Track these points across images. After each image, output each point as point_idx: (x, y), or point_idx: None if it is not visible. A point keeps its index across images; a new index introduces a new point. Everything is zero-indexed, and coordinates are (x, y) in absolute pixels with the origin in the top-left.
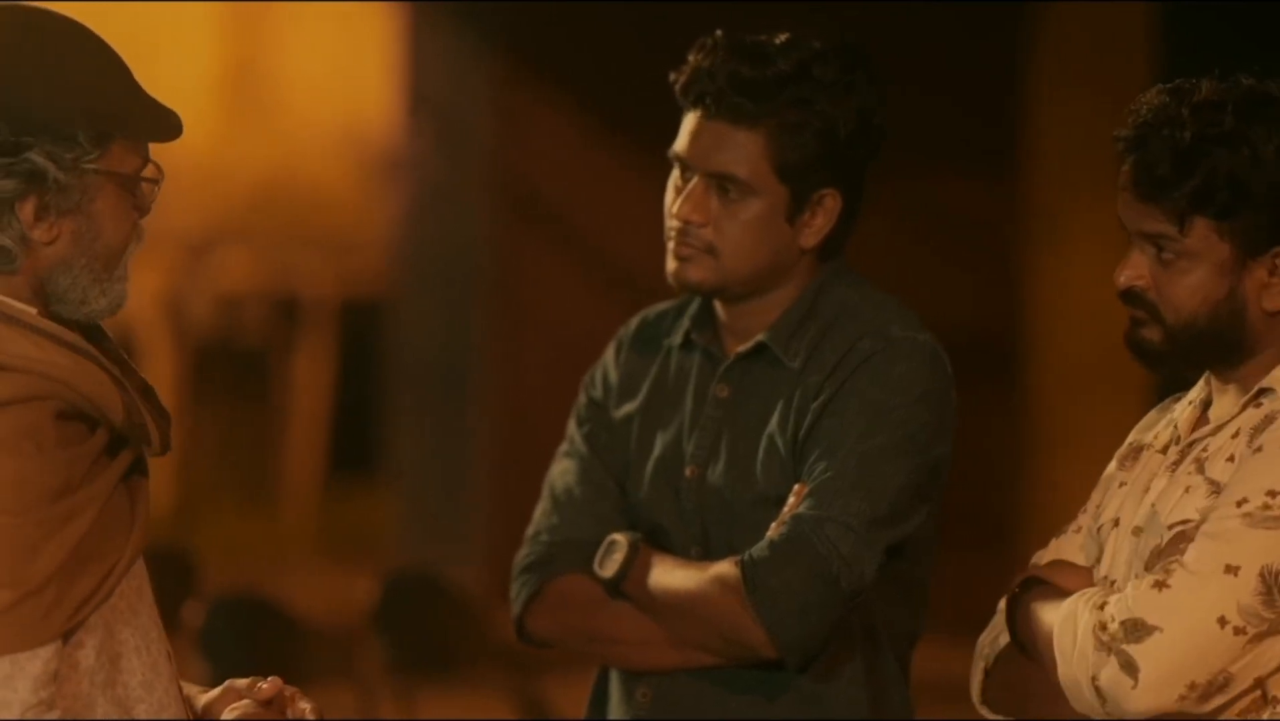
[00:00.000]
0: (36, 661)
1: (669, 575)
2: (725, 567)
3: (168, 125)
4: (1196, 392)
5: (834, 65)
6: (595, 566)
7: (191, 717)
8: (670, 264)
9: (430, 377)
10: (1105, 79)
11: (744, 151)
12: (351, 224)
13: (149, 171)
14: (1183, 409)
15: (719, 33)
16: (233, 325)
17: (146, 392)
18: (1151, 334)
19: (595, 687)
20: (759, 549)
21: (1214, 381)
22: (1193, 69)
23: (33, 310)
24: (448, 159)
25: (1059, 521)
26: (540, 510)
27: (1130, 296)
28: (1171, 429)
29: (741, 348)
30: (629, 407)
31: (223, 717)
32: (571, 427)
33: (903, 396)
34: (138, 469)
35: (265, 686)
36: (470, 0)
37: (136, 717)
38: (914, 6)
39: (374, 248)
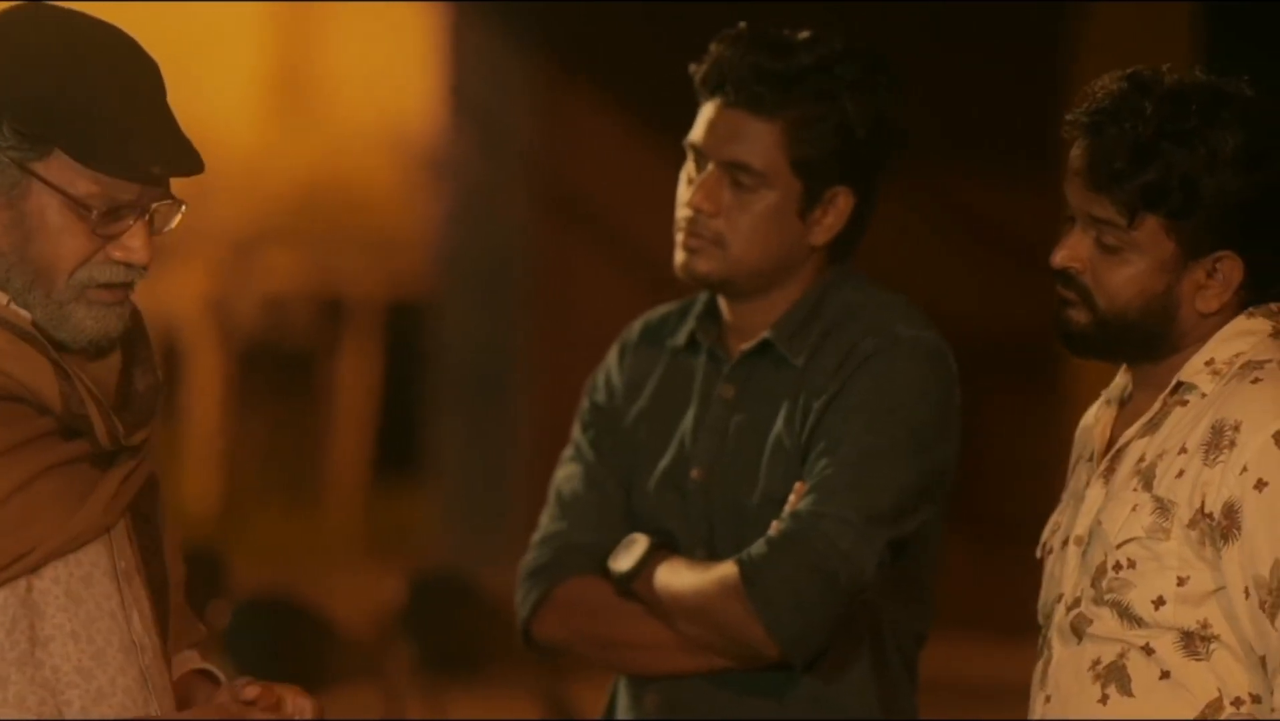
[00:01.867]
0: None
1: (675, 575)
2: (726, 567)
3: (128, 162)
4: (1114, 390)
5: (856, 64)
6: (610, 561)
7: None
8: (678, 255)
9: (472, 377)
10: None
11: (761, 142)
12: (395, 224)
13: (93, 199)
14: (1100, 409)
15: (742, 25)
16: (277, 326)
17: (146, 389)
18: (1079, 316)
19: (611, 691)
20: (757, 547)
21: (1132, 375)
22: (1235, 70)
23: None
24: (490, 159)
25: None
26: (546, 515)
27: (1064, 277)
28: (1096, 433)
29: (746, 346)
30: (634, 410)
31: (192, 709)
32: (576, 432)
33: (905, 394)
34: (104, 460)
35: (249, 687)
36: (512, 0)
37: (66, 702)
38: (954, 7)
39: (417, 248)
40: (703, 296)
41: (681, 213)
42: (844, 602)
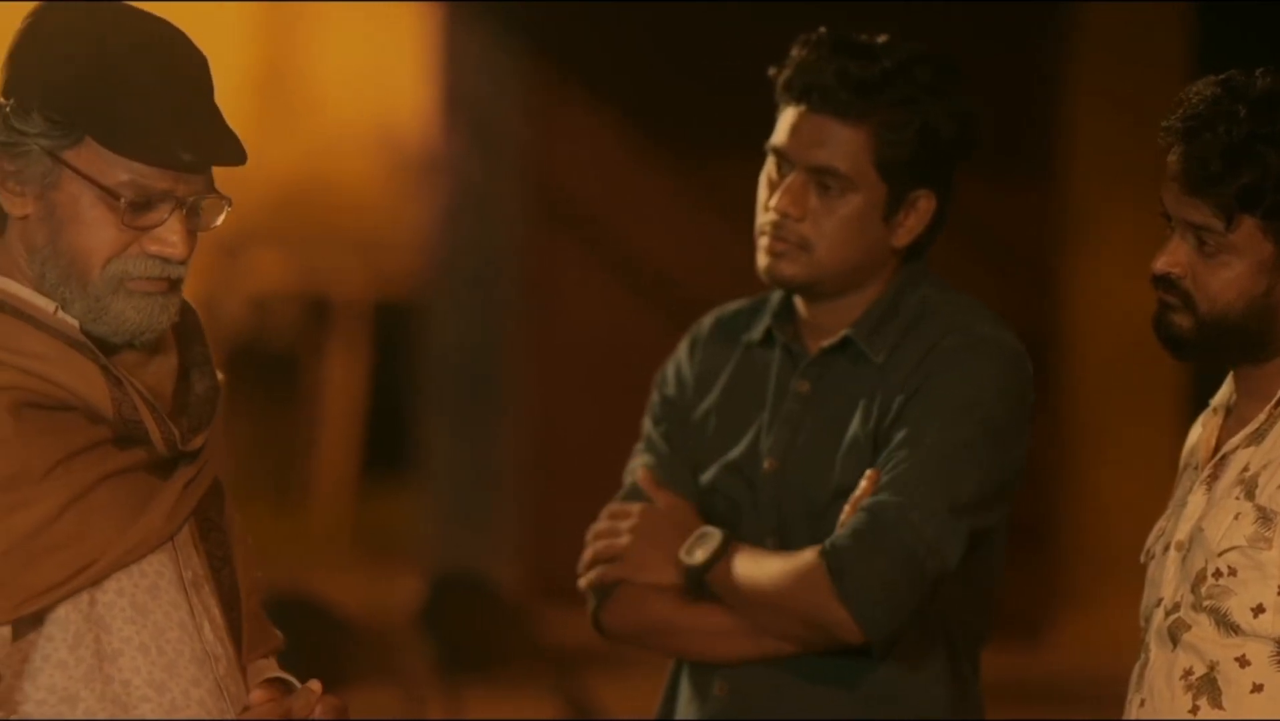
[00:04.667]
0: None
1: (754, 565)
2: (808, 556)
3: (157, 147)
4: (1220, 398)
5: (934, 67)
6: (682, 554)
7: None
8: (762, 259)
9: (462, 377)
10: (1140, 82)
11: (847, 146)
12: (384, 224)
13: (123, 188)
14: (1207, 417)
15: (823, 29)
16: (265, 325)
17: (188, 393)
18: (1182, 320)
19: (668, 684)
20: (841, 536)
21: (1237, 383)
22: (1227, 68)
23: (27, 292)
24: (481, 160)
25: (1094, 523)
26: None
27: (1165, 282)
28: (1202, 441)
29: (826, 342)
30: (705, 403)
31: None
32: (647, 425)
33: (985, 392)
34: (164, 467)
35: (256, 691)
36: (505, 0)
37: (140, 717)
38: (947, 9)
39: (407, 248)
40: (777, 294)
41: (765, 217)
42: (927, 591)
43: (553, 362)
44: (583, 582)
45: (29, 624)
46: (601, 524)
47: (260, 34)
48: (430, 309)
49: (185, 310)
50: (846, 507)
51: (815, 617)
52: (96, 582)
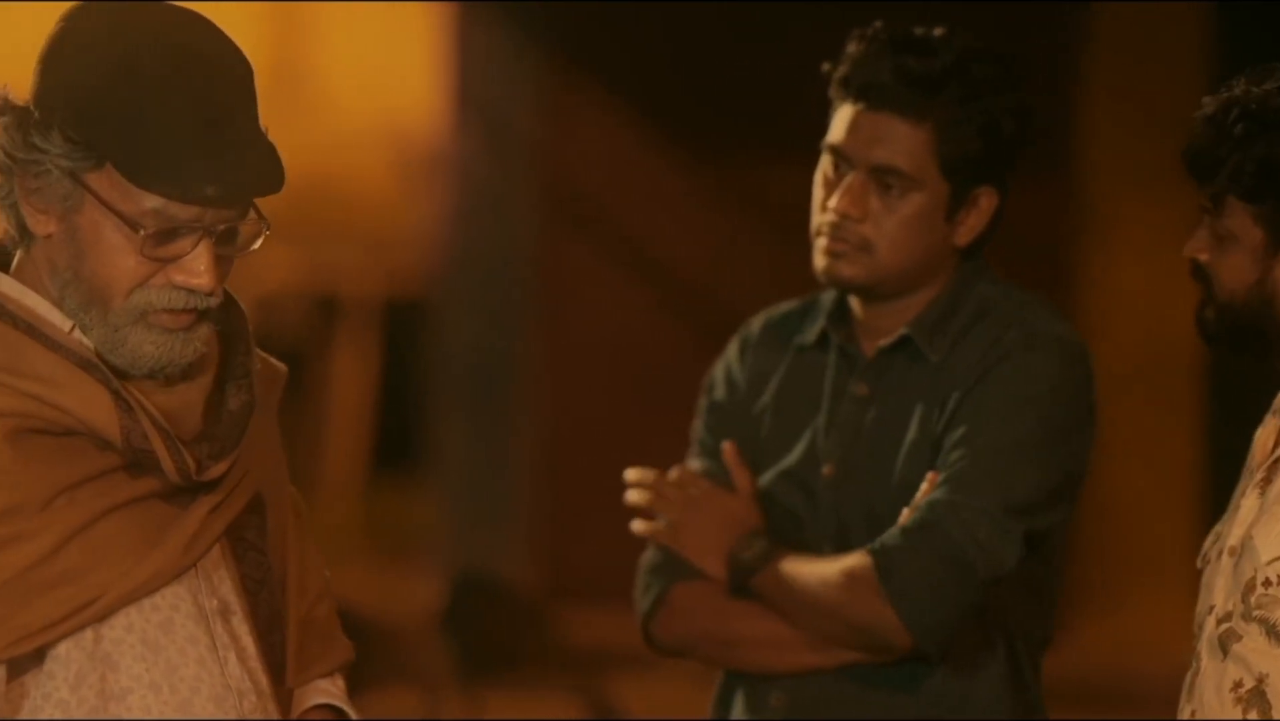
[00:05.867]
0: None
1: (800, 569)
2: (855, 557)
3: (181, 181)
4: (1279, 401)
5: (992, 61)
6: (734, 549)
7: None
8: (820, 259)
9: (473, 375)
10: (1155, 81)
11: (909, 144)
12: (395, 222)
13: (145, 218)
14: (1268, 420)
15: (878, 24)
16: (274, 323)
17: (220, 416)
18: (1208, 311)
19: (719, 695)
20: (890, 536)
21: None
22: (1243, 71)
23: (45, 307)
24: (493, 157)
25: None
26: None
27: (1195, 271)
28: (1259, 443)
29: (884, 341)
30: (757, 406)
31: None
32: (699, 430)
33: (1044, 389)
34: (184, 494)
35: None
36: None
37: None
38: (963, 7)
39: (417, 246)
40: (830, 294)
41: (823, 217)
42: (980, 594)
43: (566, 360)
44: (635, 526)
45: (29, 661)
46: (666, 486)
47: (272, 32)
48: (442, 307)
49: (232, 314)
50: (905, 511)
51: (862, 620)
52: (101, 619)
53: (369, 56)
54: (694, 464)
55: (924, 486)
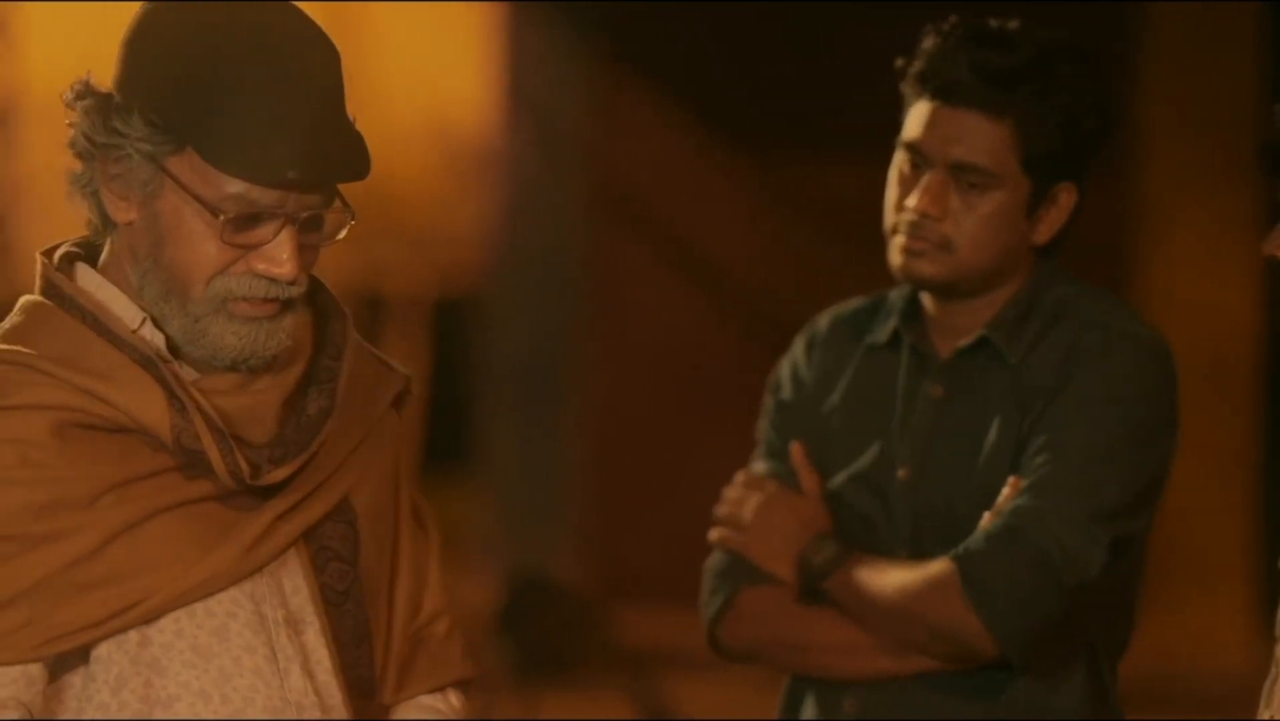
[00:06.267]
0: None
1: (876, 574)
2: (938, 563)
3: (261, 164)
4: None
5: (1069, 54)
6: (805, 552)
7: None
8: (897, 257)
9: (523, 374)
10: (1212, 81)
11: (989, 141)
12: (445, 221)
13: (226, 202)
14: None
15: (954, 18)
16: None
17: (274, 420)
18: None
19: (786, 699)
20: (974, 541)
21: None
22: None
23: (120, 302)
24: (543, 156)
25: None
26: None
27: (1275, 267)
28: None
29: (961, 343)
30: (825, 406)
31: None
32: (765, 429)
33: (1130, 392)
34: (250, 497)
35: None
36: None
37: None
38: (1021, 6)
39: (468, 244)
40: (900, 292)
41: (901, 215)
42: (1065, 601)
43: (616, 360)
44: (713, 535)
45: (75, 660)
46: (735, 489)
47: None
48: (492, 306)
49: (331, 314)
50: (987, 515)
51: (946, 627)
52: (147, 622)
53: (420, 55)
54: (759, 465)
55: (1006, 491)
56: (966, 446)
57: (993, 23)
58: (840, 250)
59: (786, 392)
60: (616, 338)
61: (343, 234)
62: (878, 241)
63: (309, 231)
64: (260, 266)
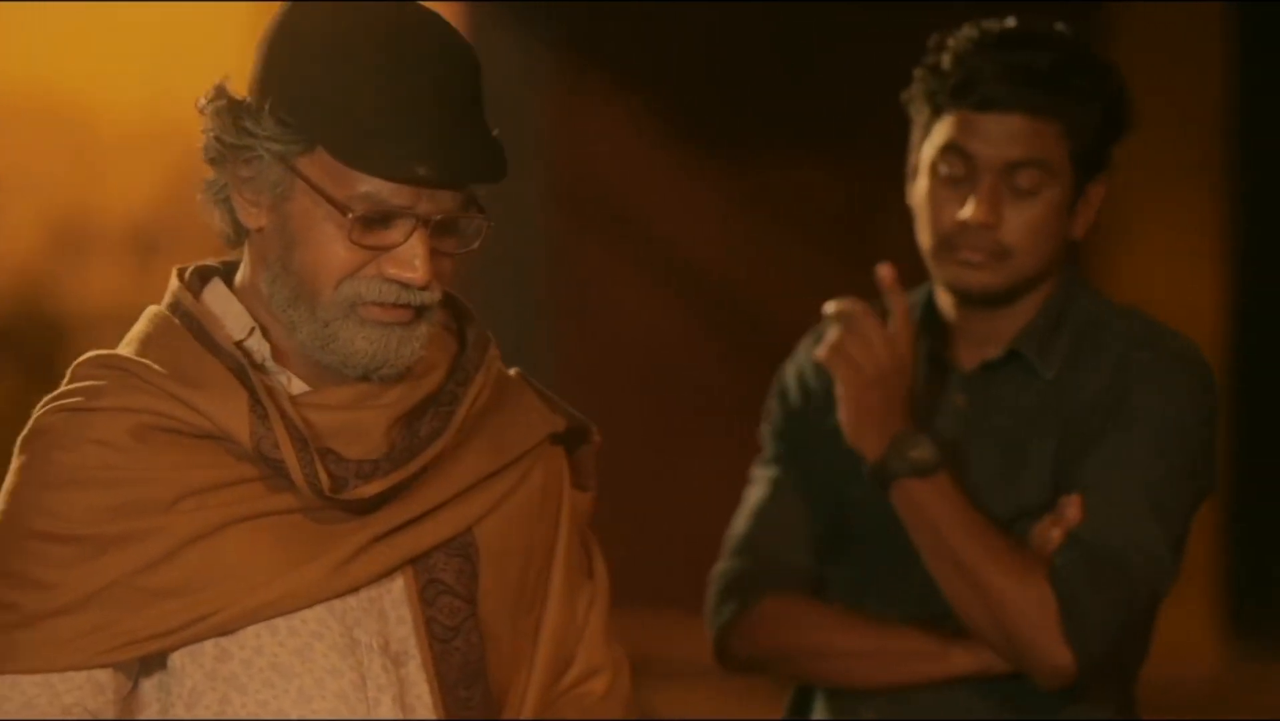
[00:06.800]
0: (65, 686)
1: (976, 524)
2: (1042, 587)
3: (389, 160)
4: None
5: (1090, 51)
6: (897, 436)
7: None
8: (949, 269)
9: None
10: (1180, 81)
11: (1042, 140)
12: None
13: (355, 201)
14: None
15: (978, 23)
16: None
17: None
18: None
19: (793, 711)
20: (1075, 572)
21: None
22: (1267, 73)
23: (235, 310)
24: (506, 156)
25: None
26: (742, 524)
27: None
28: None
29: (990, 355)
30: (836, 413)
31: None
32: (768, 436)
33: (1191, 415)
34: (347, 514)
35: None
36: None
37: None
38: (988, 8)
39: None
40: (915, 298)
41: (952, 225)
42: (1146, 630)
43: (582, 362)
44: (828, 307)
45: (154, 667)
46: (831, 311)
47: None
48: None
49: (471, 340)
50: (1054, 533)
51: (1031, 648)
52: (221, 635)
53: None
54: (763, 471)
55: (1070, 511)
56: (995, 459)
57: (1010, 24)
58: (810, 249)
59: (793, 399)
60: (583, 340)
61: (478, 243)
62: (848, 240)
63: (443, 237)
64: (391, 270)
